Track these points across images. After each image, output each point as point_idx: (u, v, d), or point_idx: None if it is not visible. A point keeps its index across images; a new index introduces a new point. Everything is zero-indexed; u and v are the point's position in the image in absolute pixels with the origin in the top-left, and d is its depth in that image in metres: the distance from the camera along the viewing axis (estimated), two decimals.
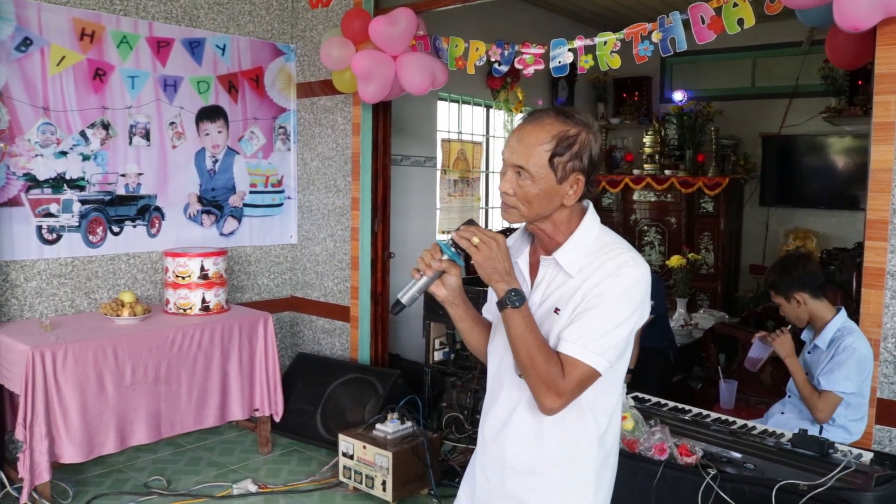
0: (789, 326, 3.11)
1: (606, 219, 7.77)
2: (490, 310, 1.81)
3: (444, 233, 6.09)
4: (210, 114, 4.52)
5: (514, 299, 1.50)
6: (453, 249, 1.60)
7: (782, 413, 3.11)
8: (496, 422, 1.67)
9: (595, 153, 1.57)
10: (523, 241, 1.70)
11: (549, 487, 1.60)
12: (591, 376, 1.50)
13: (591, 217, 1.63)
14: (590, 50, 3.53)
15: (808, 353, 3.07)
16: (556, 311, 1.56)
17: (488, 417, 1.71)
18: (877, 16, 2.60)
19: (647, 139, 7.34)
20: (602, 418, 1.60)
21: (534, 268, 1.66)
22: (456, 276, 1.63)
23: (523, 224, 1.68)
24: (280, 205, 4.93)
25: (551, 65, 3.63)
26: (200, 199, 4.51)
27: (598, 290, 1.51)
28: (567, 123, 1.55)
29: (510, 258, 1.56)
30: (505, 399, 1.65)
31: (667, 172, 7.15)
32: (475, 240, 1.51)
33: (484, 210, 6.90)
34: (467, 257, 1.57)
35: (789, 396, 3.12)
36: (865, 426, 2.80)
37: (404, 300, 1.61)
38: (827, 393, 2.84)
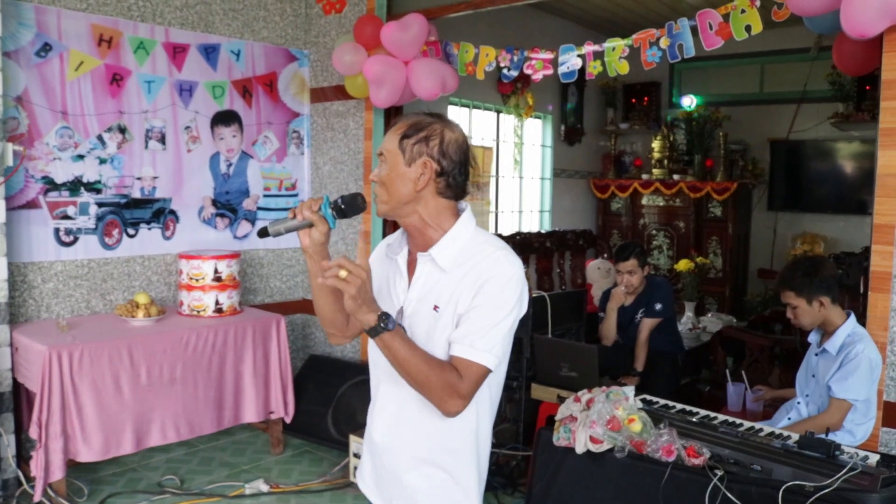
0: (795, 330, 3.13)
1: (615, 223, 7.89)
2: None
3: None
4: (225, 118, 4.58)
5: (386, 322, 1.49)
6: (331, 210, 1.64)
7: (789, 419, 3.13)
8: (382, 422, 1.74)
9: (448, 146, 1.63)
10: (402, 240, 1.74)
11: (436, 485, 1.69)
12: (485, 373, 1.58)
13: (467, 218, 1.69)
14: (598, 56, 3.57)
15: (816, 355, 3.09)
16: (436, 308, 1.62)
17: (374, 418, 1.78)
18: (883, 23, 2.63)
19: (655, 144, 7.37)
20: (475, 410, 1.66)
21: (411, 266, 1.71)
22: (321, 233, 1.64)
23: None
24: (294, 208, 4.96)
25: (560, 70, 3.67)
26: (214, 203, 4.57)
27: (476, 292, 1.57)
28: (424, 117, 1.66)
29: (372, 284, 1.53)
30: (385, 397, 1.73)
31: (675, 177, 7.18)
32: (342, 273, 1.42)
33: (494, 214, 6.94)
34: (341, 221, 1.57)
35: (798, 402, 3.14)
36: (871, 429, 2.83)
37: (271, 230, 1.66)
38: (839, 401, 2.85)
